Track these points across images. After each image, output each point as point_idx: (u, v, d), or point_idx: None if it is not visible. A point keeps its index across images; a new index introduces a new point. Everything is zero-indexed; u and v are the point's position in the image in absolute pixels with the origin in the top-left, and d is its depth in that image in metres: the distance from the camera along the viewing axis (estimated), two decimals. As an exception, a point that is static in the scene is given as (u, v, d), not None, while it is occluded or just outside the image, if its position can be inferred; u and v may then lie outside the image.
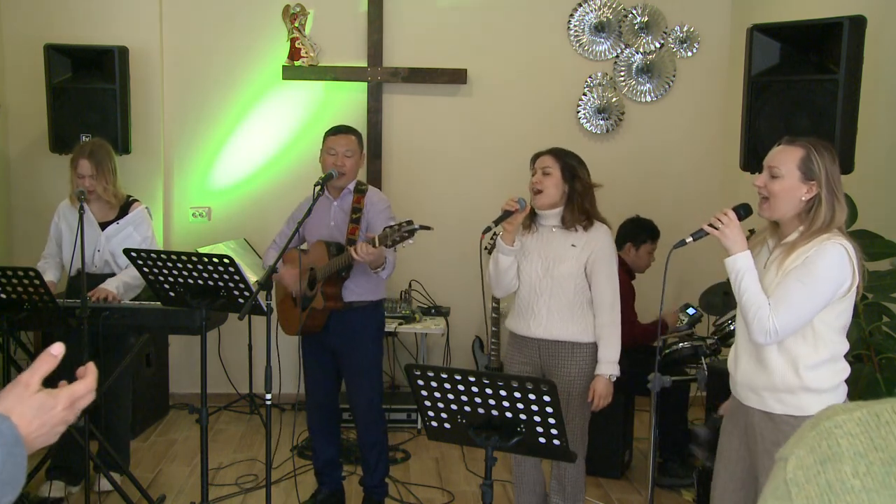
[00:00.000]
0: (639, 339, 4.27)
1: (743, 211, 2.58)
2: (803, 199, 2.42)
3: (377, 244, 3.23)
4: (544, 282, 3.22)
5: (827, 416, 0.73)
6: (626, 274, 4.45)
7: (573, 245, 3.22)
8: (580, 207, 3.22)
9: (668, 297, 4.51)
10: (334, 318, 3.69)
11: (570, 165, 3.24)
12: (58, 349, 1.15)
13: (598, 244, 3.22)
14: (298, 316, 3.69)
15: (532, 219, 3.31)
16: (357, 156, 3.71)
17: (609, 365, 3.19)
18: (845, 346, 2.49)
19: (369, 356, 3.76)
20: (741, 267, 2.45)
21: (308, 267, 3.67)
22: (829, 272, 2.35)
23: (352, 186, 3.73)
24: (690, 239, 2.63)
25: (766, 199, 2.48)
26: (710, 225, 2.51)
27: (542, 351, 3.26)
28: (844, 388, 2.52)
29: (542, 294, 3.23)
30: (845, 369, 2.50)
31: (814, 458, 0.70)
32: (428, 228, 3.21)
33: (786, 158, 2.45)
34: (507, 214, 3.17)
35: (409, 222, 3.18)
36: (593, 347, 3.24)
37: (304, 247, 3.84)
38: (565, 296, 3.21)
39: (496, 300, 5.00)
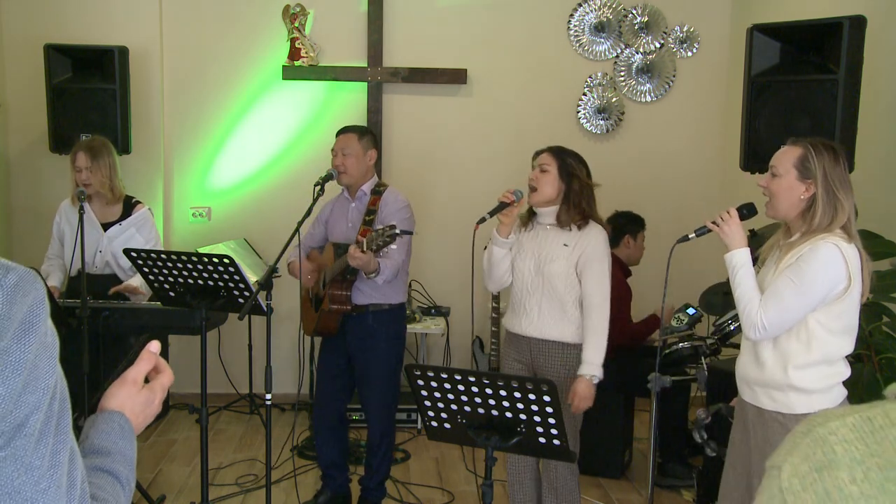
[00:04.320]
0: (632, 339, 4.28)
1: (746, 210, 2.67)
2: (802, 197, 2.46)
3: (364, 248, 3.22)
4: (536, 280, 3.20)
5: (819, 422, 0.72)
6: (622, 273, 4.45)
7: (565, 244, 3.19)
8: (576, 207, 3.18)
9: (668, 297, 4.52)
10: (350, 322, 3.68)
11: (568, 164, 3.21)
12: (156, 346, 1.24)
13: (590, 244, 3.17)
14: (313, 316, 3.72)
15: (531, 216, 3.31)
16: (357, 155, 3.69)
17: (592, 366, 3.12)
18: (844, 349, 2.48)
19: (382, 362, 3.71)
20: (737, 262, 2.53)
21: (321, 268, 3.70)
22: (818, 271, 2.38)
23: (367, 188, 3.73)
24: (693, 235, 2.73)
25: (768, 198, 2.55)
26: (713, 222, 2.60)
27: (534, 350, 3.24)
28: (840, 392, 2.51)
29: (533, 292, 3.21)
30: (840, 373, 2.49)
31: (809, 465, 0.69)
32: (409, 234, 3.25)
33: (784, 158, 2.51)
34: (502, 206, 3.16)
35: (392, 226, 3.18)
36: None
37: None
38: (556, 295, 3.18)
39: (496, 300, 5.00)
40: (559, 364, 3.20)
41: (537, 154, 3.31)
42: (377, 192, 3.71)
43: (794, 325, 2.45)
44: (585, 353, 3.13)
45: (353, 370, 3.77)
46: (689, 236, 2.74)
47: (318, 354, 3.89)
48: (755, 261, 2.64)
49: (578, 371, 3.13)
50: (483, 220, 3.11)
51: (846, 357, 2.52)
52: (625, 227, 4.51)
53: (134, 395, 1.20)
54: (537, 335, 3.21)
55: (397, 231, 3.15)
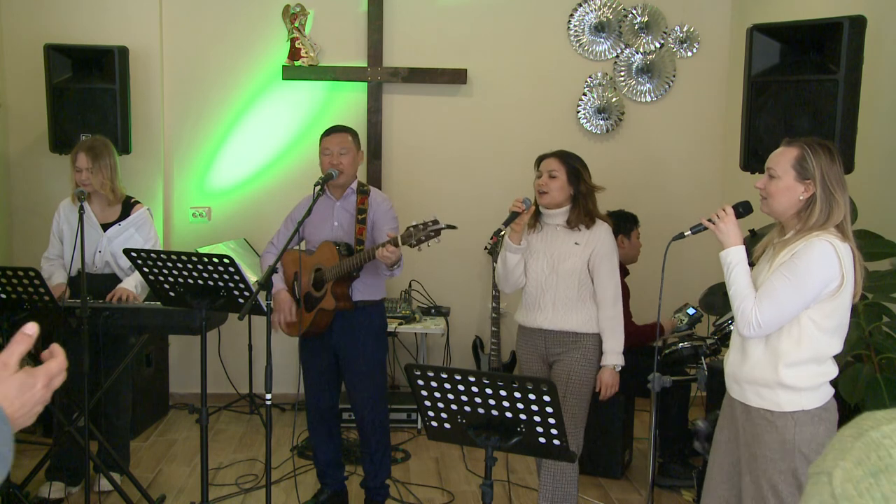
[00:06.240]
0: (633, 339, 4.26)
1: (742, 209, 2.68)
2: (801, 198, 2.47)
3: (399, 244, 3.24)
4: (550, 278, 3.38)
5: (870, 425, 0.70)
6: (621, 273, 4.45)
7: (576, 243, 3.37)
8: (584, 209, 3.37)
9: (667, 297, 4.53)
10: (338, 319, 3.68)
11: (575, 169, 3.39)
12: (31, 328, 1.14)
13: (600, 241, 3.37)
14: (301, 317, 3.69)
15: (537, 217, 3.45)
16: (353, 153, 3.70)
17: (614, 355, 3.37)
18: (834, 348, 2.48)
19: (372, 356, 3.75)
20: (732, 260, 2.53)
21: (314, 267, 3.67)
22: (812, 268, 2.38)
23: (354, 187, 3.74)
24: (689, 232, 2.74)
25: (764, 199, 2.56)
26: (709, 219, 2.60)
27: (548, 340, 3.42)
28: (828, 390, 2.51)
29: (547, 290, 3.38)
30: (829, 372, 2.49)
31: (864, 470, 0.67)
32: (453, 228, 3.24)
33: (781, 159, 2.51)
34: (514, 215, 3.28)
35: (435, 221, 3.21)
36: (594, 338, 3.39)
37: (301, 246, 3.84)
38: (569, 291, 3.37)
39: (496, 300, 5.01)
40: (572, 351, 3.38)
41: (542, 159, 3.45)
42: (363, 191, 3.72)
43: (788, 322, 2.44)
44: (606, 344, 3.38)
45: (339, 367, 3.77)
46: (685, 233, 2.75)
47: (300, 355, 3.87)
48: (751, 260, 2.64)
49: (602, 362, 3.38)
50: (499, 231, 3.23)
51: (833, 357, 2.52)
52: (618, 227, 4.48)
53: (5, 379, 1.10)
54: (552, 327, 3.40)
55: (443, 225, 3.20)
